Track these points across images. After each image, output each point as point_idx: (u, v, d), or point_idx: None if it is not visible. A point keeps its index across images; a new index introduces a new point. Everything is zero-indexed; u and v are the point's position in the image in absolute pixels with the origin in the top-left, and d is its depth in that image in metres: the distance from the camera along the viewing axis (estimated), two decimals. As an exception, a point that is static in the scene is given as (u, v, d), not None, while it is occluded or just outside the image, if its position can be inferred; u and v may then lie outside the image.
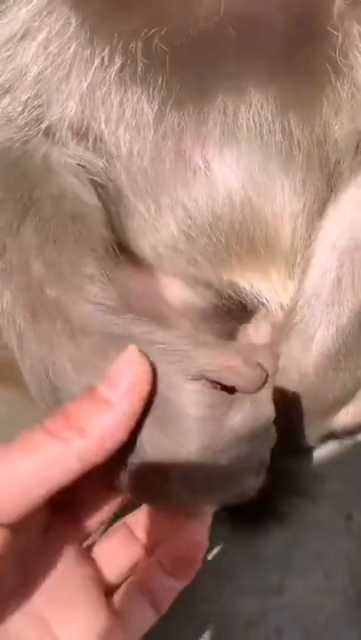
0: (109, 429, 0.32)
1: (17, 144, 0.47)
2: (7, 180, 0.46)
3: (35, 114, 0.46)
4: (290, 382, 0.51)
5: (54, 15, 0.43)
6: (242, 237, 0.52)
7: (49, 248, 0.43)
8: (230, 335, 0.59)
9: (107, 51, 0.43)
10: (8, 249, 0.43)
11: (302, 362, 0.51)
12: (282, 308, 0.55)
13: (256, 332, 0.58)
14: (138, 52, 0.43)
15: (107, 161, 0.48)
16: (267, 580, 0.55)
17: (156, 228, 0.52)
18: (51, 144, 0.48)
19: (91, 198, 0.48)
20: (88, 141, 0.47)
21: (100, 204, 0.49)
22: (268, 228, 0.51)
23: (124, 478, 0.36)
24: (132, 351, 0.33)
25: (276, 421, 0.51)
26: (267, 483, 0.58)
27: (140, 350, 0.34)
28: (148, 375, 0.33)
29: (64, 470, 0.31)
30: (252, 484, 0.40)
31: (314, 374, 0.51)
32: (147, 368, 0.33)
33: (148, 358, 0.34)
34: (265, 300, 0.56)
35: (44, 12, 0.43)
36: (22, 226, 0.43)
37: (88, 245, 0.45)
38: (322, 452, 0.60)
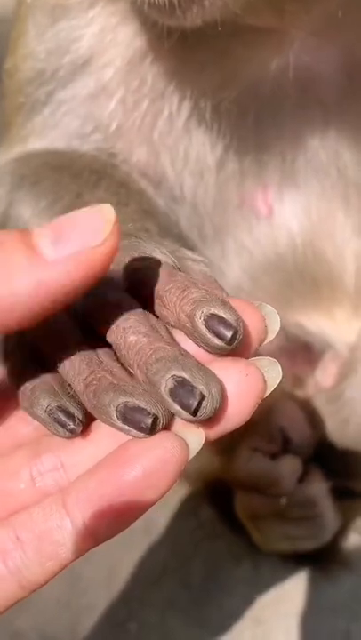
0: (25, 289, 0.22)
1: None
2: (78, 160, 0.47)
3: (107, 159, 0.48)
4: (355, 417, 0.51)
5: (132, 74, 0.47)
6: (305, 277, 0.53)
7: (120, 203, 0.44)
8: (297, 379, 0.60)
9: (175, 103, 0.47)
10: (84, 196, 0.44)
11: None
12: (347, 348, 0.56)
13: (324, 374, 0.59)
14: (206, 109, 0.46)
15: (166, 204, 0.50)
16: (334, 625, 0.54)
17: (221, 271, 0.53)
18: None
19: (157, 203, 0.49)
20: (151, 181, 0.49)
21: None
22: (331, 268, 0.53)
23: None
24: (106, 209, 0.23)
25: (345, 463, 0.51)
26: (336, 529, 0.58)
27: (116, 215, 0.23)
28: (111, 249, 0.23)
29: None
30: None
31: None
32: (115, 240, 0.23)
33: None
34: (331, 341, 0.56)
35: (124, 71, 0.46)
36: (97, 186, 0.46)
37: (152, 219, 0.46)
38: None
